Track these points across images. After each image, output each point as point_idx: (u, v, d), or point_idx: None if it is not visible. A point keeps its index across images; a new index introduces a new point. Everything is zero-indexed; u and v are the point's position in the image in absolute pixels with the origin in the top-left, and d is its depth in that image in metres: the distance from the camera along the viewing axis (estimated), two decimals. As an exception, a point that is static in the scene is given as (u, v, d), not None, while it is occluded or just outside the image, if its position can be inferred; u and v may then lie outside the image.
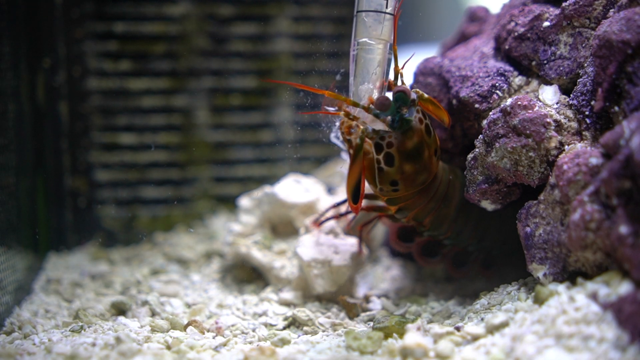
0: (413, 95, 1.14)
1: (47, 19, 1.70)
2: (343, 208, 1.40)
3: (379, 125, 1.14)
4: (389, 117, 1.13)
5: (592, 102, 1.09)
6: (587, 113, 1.10)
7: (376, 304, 1.33)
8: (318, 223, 1.38)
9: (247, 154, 1.86)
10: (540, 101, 1.15)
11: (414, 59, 1.29)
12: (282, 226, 1.54)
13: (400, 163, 1.14)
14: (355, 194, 1.14)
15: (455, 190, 1.24)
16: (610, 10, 1.14)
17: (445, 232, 1.27)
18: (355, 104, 1.14)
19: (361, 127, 1.14)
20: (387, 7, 1.17)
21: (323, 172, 1.79)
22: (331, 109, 1.16)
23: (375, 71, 1.18)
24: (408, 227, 1.33)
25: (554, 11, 1.19)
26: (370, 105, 1.14)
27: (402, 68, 1.17)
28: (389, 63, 1.20)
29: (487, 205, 1.19)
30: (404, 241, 1.35)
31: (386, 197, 1.20)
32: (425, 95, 1.17)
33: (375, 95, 1.16)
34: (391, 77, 1.19)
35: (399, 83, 1.17)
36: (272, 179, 1.68)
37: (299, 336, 1.19)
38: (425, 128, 1.15)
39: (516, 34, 1.21)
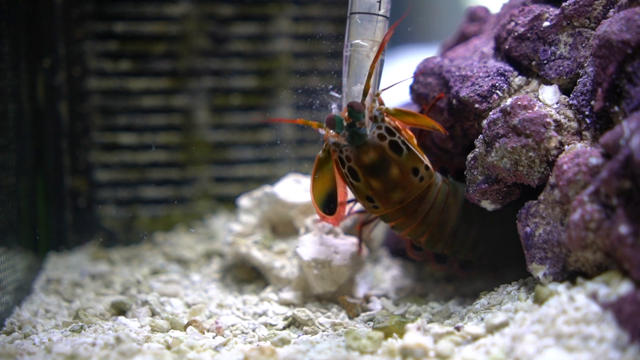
0: (375, 112, 1.15)
1: (47, 19, 1.70)
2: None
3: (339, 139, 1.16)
4: (346, 132, 1.14)
5: (592, 102, 1.09)
6: (587, 113, 1.10)
7: (376, 304, 1.33)
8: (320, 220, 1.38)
9: (247, 154, 1.86)
10: (540, 101, 1.15)
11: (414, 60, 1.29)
12: (282, 226, 1.54)
13: (365, 178, 1.15)
14: (326, 205, 1.17)
15: (451, 214, 1.24)
16: (610, 10, 1.14)
17: (442, 249, 1.27)
18: (306, 122, 1.16)
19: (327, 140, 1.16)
20: (380, 9, 1.18)
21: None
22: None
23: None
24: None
25: (554, 11, 1.19)
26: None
27: (379, 87, 1.18)
28: (382, 64, 1.20)
29: (487, 205, 1.19)
30: (418, 250, 1.34)
31: (371, 213, 1.22)
32: (392, 109, 1.17)
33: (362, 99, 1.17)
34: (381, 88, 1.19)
35: (368, 100, 1.16)
36: (272, 179, 1.68)
37: (299, 336, 1.19)
38: (390, 144, 1.15)
39: (516, 33, 1.21)
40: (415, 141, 1.19)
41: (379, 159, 1.14)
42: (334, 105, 1.21)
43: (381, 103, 1.19)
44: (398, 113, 1.17)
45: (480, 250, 1.30)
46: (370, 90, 1.15)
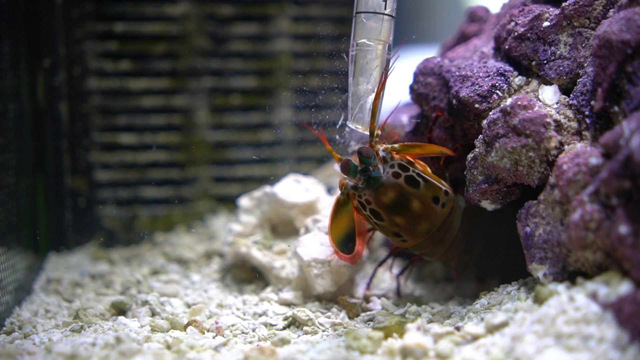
0: (381, 153, 1.16)
1: (47, 19, 1.70)
2: None
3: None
4: (361, 177, 1.16)
5: (592, 102, 1.09)
6: (587, 113, 1.10)
7: (376, 304, 1.33)
8: None
9: (247, 154, 1.86)
10: (540, 101, 1.15)
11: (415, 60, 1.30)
12: (282, 226, 1.54)
13: (388, 217, 1.17)
14: (344, 245, 1.20)
15: (464, 234, 1.25)
16: (610, 10, 1.14)
17: (449, 261, 1.28)
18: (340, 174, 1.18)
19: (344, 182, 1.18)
20: (385, 8, 1.18)
21: (323, 172, 1.79)
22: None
23: (373, 72, 1.18)
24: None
25: (553, 11, 1.19)
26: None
27: (382, 127, 1.18)
28: (387, 64, 1.21)
29: (487, 205, 1.19)
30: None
31: (401, 246, 1.24)
32: (398, 146, 1.18)
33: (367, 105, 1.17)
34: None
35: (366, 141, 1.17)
36: (272, 179, 1.69)
37: (299, 336, 1.19)
38: (406, 180, 1.16)
39: (516, 33, 1.21)
40: (429, 170, 1.20)
41: (398, 197, 1.16)
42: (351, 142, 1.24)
43: (388, 136, 1.20)
44: (404, 148, 1.18)
45: (485, 262, 1.31)
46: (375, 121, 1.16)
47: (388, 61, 1.19)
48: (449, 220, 1.21)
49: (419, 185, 1.16)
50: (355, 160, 1.17)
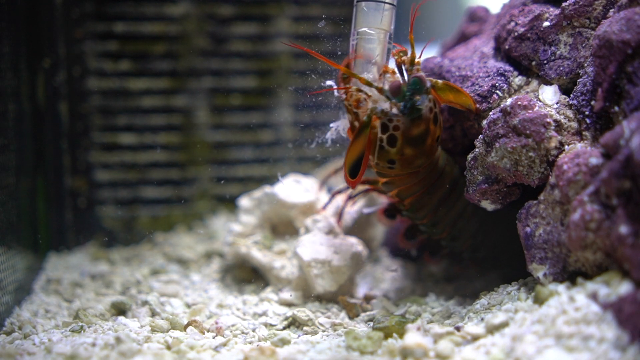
0: (427, 84, 1.14)
1: (47, 19, 1.70)
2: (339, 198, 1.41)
3: (388, 106, 1.14)
4: (401, 103, 1.13)
5: (592, 102, 1.09)
6: (587, 113, 1.10)
7: (376, 304, 1.33)
8: (324, 208, 1.42)
9: (247, 154, 1.86)
10: (540, 101, 1.15)
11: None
12: (282, 226, 1.54)
13: (402, 146, 1.15)
14: (353, 169, 1.16)
15: (444, 181, 1.25)
16: (610, 10, 1.14)
17: (422, 218, 1.29)
18: (369, 84, 1.14)
19: (370, 103, 1.15)
20: None
21: (323, 172, 1.79)
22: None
23: (375, 60, 1.18)
24: (412, 228, 1.35)
25: (554, 11, 1.19)
26: (384, 87, 1.14)
27: (420, 56, 1.16)
28: (389, 53, 1.20)
29: (487, 205, 1.19)
30: (409, 239, 1.37)
31: (379, 170, 1.22)
32: (440, 83, 1.17)
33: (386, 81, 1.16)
34: (392, 64, 1.18)
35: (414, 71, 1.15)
36: (272, 179, 1.68)
37: (299, 336, 1.19)
38: (434, 117, 1.16)
39: (516, 34, 1.21)
40: None
41: (423, 131, 1.15)
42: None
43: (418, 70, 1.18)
44: (444, 87, 1.18)
45: (478, 243, 1.31)
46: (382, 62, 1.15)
47: (389, 50, 1.19)
48: (440, 165, 1.22)
49: (438, 123, 1.17)
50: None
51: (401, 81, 1.15)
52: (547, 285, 1.03)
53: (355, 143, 1.15)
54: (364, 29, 1.18)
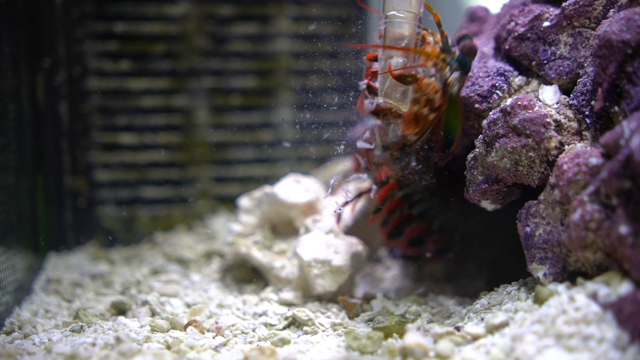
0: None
1: (47, 19, 1.70)
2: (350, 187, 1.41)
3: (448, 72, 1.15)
4: (457, 62, 1.15)
5: (592, 102, 1.09)
6: (587, 113, 1.10)
7: (376, 304, 1.33)
8: (336, 187, 1.42)
9: (247, 154, 1.86)
10: (540, 101, 1.15)
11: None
12: (282, 226, 1.54)
13: (435, 102, 1.15)
14: (447, 141, 1.19)
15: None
16: (610, 10, 1.14)
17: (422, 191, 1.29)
18: (447, 47, 1.15)
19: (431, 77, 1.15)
20: None
21: (323, 172, 1.79)
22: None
23: (404, 44, 1.15)
24: (396, 226, 1.35)
25: (554, 11, 1.19)
26: (454, 48, 1.16)
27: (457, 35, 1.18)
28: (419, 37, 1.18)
29: (487, 205, 1.19)
30: (394, 238, 1.36)
31: (402, 143, 1.20)
32: None
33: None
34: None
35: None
36: (272, 179, 1.69)
37: (299, 336, 1.19)
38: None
39: (516, 33, 1.21)
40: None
41: (457, 92, 1.17)
42: None
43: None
44: None
45: (459, 234, 1.32)
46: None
47: (418, 34, 1.16)
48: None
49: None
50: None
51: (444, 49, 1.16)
52: (547, 285, 1.03)
53: (449, 114, 1.17)
54: (392, 13, 1.14)
